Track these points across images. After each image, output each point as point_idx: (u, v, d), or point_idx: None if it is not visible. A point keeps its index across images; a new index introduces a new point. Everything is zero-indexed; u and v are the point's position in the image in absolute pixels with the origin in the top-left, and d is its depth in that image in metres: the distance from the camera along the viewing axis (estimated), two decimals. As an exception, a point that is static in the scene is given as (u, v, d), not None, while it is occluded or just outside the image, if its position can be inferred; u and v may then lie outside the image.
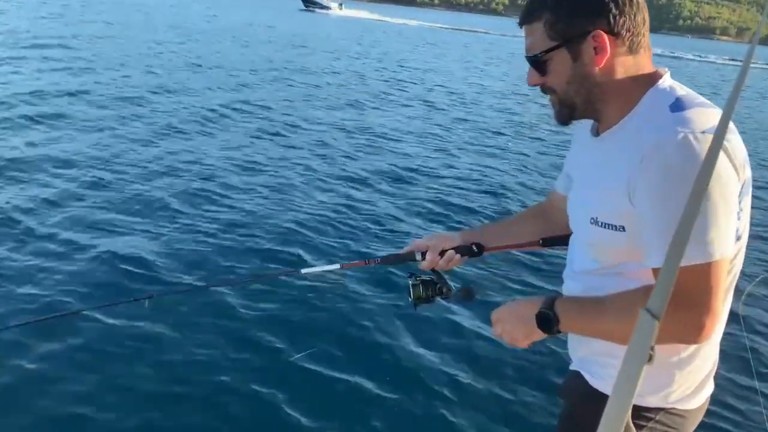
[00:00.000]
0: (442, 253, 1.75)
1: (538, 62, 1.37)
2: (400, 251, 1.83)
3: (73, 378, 3.16)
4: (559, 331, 1.38)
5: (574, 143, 1.61)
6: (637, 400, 1.36)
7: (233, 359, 3.47)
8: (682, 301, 1.09)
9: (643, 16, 1.33)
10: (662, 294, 0.53)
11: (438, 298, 1.77)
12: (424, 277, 1.77)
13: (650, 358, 0.56)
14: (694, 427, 1.48)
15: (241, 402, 3.13)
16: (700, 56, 48.15)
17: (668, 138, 1.18)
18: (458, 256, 1.75)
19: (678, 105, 1.25)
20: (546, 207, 1.83)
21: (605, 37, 1.30)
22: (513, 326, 1.45)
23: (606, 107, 1.37)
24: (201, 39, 21.06)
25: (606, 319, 1.31)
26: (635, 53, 1.34)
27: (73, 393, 3.06)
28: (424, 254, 1.76)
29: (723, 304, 1.22)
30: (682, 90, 1.31)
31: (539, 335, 1.41)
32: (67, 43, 15.44)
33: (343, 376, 3.42)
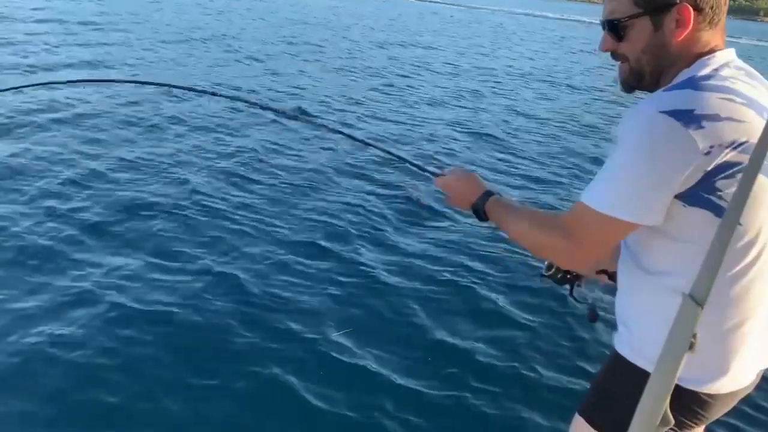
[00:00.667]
0: None
1: (617, 27, 1.38)
2: None
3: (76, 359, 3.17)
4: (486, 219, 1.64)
5: None
6: (644, 364, 1.37)
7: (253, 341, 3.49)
8: (569, 226, 1.35)
9: None
10: (706, 281, 0.52)
11: (567, 285, 1.84)
12: None
13: (692, 346, 0.55)
14: (724, 411, 1.45)
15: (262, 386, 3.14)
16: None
17: (632, 112, 1.27)
18: None
19: (682, 84, 1.30)
20: None
21: (691, 10, 1.31)
22: (453, 198, 1.73)
23: (665, 79, 1.38)
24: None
25: (521, 226, 1.51)
26: (712, 30, 1.35)
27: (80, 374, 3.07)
28: None
29: (603, 251, 1.38)
30: (718, 68, 1.30)
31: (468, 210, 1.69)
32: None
33: (371, 359, 3.42)
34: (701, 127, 1.18)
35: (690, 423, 1.41)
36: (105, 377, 3.07)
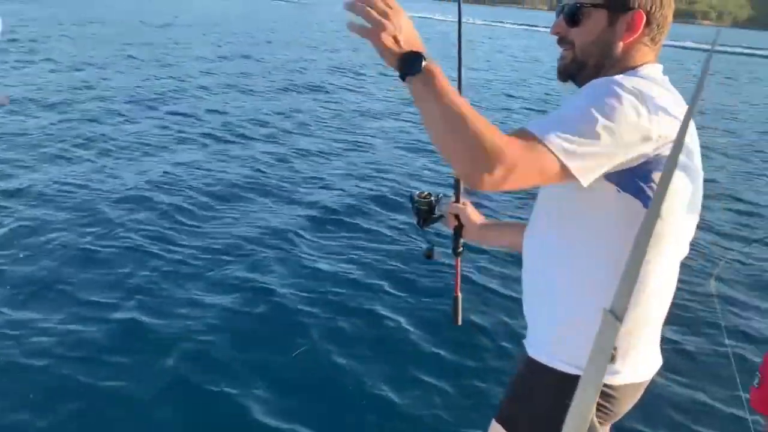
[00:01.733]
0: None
1: (575, 13, 1.43)
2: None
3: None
4: (406, 78, 1.21)
5: None
6: (562, 367, 1.42)
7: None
8: (509, 143, 1.18)
9: (670, 19, 1.44)
10: (624, 295, 0.55)
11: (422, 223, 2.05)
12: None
13: (613, 358, 0.59)
14: (628, 406, 1.51)
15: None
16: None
17: (599, 80, 1.30)
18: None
19: (631, 74, 1.37)
20: None
21: (643, 20, 1.39)
22: (392, 29, 1.18)
23: (604, 75, 1.41)
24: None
25: (464, 110, 1.18)
26: (651, 48, 1.44)
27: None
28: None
29: (520, 182, 1.23)
30: (644, 79, 1.36)
31: (395, 56, 1.21)
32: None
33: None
34: (656, 114, 1.25)
35: (599, 420, 1.46)
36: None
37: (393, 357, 3.68)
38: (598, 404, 1.44)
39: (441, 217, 2.04)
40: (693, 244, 1.48)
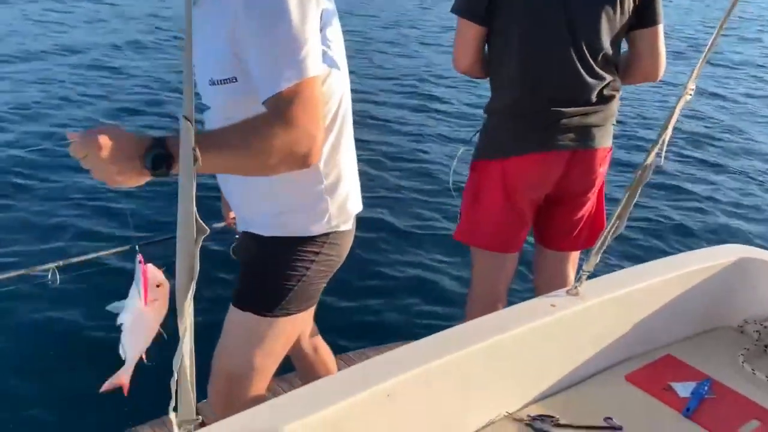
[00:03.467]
0: None
1: None
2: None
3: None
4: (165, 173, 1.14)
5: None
6: (303, 232, 1.62)
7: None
8: (287, 123, 1.20)
9: None
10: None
11: None
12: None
13: (195, 160, 0.79)
14: (348, 249, 1.73)
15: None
16: None
17: None
18: None
19: None
20: None
21: None
22: (110, 157, 1.09)
23: None
24: None
25: (238, 152, 1.20)
26: None
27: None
28: None
29: (322, 123, 1.29)
30: None
31: (139, 177, 1.14)
32: None
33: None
34: None
35: (333, 257, 1.67)
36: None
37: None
38: (331, 256, 1.66)
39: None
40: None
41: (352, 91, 1.62)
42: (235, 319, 1.66)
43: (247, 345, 1.65)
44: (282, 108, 1.22)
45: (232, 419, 1.23)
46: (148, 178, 1.13)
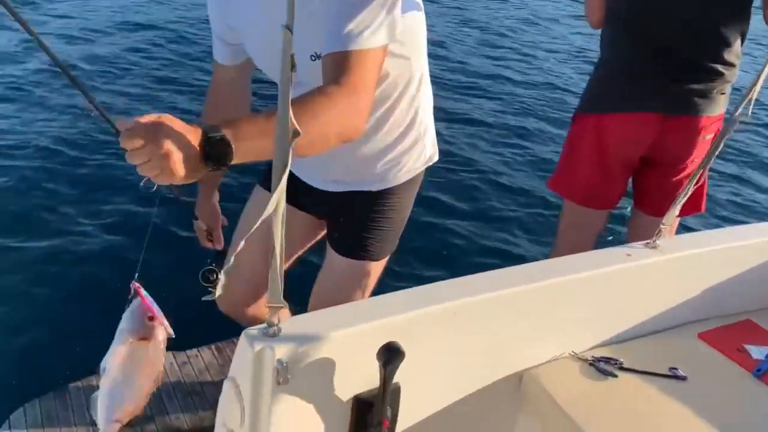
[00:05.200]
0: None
1: None
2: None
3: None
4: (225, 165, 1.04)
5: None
6: (406, 177, 1.76)
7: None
8: (350, 85, 1.21)
9: None
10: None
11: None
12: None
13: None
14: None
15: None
16: None
17: None
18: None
19: None
20: (218, 89, 1.88)
21: None
22: (170, 153, 0.95)
23: None
24: None
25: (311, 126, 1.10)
26: None
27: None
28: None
29: (373, 93, 1.30)
30: None
31: (196, 171, 1.01)
32: None
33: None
34: None
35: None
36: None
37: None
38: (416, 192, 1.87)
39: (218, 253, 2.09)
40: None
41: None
42: (347, 267, 1.83)
43: (357, 288, 1.84)
44: (349, 70, 1.23)
45: (331, 310, 1.30)
46: (203, 172, 1.02)
